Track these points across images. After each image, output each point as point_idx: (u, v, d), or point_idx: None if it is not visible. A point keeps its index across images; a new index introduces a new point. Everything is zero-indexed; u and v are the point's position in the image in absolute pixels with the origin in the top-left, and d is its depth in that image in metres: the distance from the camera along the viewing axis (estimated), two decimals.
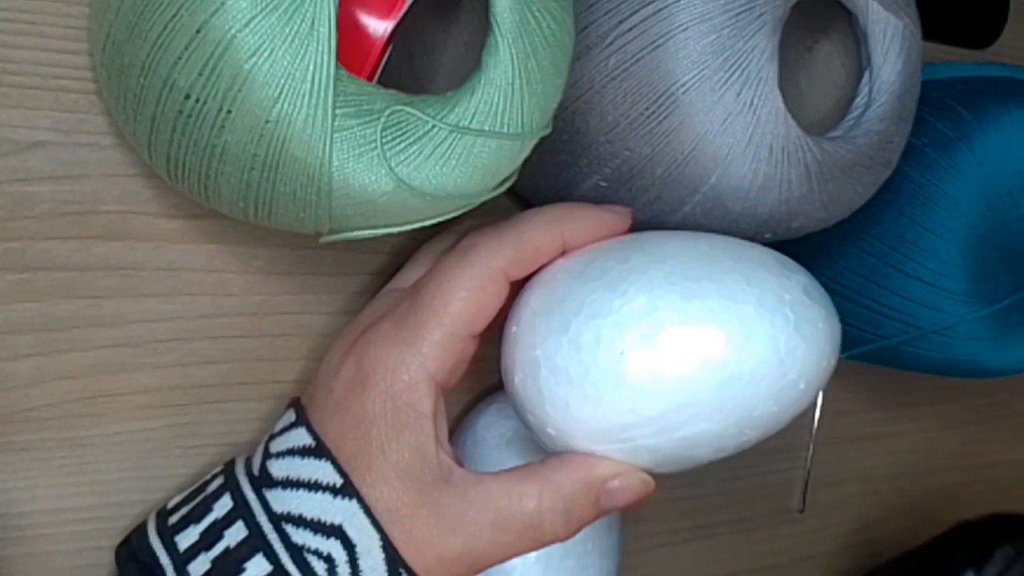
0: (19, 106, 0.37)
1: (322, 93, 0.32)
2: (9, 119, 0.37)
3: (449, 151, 0.34)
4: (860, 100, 0.41)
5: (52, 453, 0.40)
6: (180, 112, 0.33)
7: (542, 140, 0.37)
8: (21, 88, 0.37)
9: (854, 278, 0.48)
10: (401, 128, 0.33)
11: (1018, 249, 0.46)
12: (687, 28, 0.37)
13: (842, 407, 0.58)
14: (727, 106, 0.37)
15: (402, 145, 0.33)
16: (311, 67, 0.32)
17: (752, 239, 0.41)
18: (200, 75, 0.32)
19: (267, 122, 0.32)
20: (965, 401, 0.63)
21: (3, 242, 0.38)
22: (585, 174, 0.41)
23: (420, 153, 0.34)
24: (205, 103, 0.32)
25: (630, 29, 0.37)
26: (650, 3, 0.37)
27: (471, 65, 0.35)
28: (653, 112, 0.38)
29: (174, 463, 0.42)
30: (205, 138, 0.33)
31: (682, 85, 0.37)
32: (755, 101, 0.37)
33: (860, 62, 0.42)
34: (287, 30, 0.31)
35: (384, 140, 0.33)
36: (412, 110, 0.33)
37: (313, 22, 0.31)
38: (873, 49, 0.41)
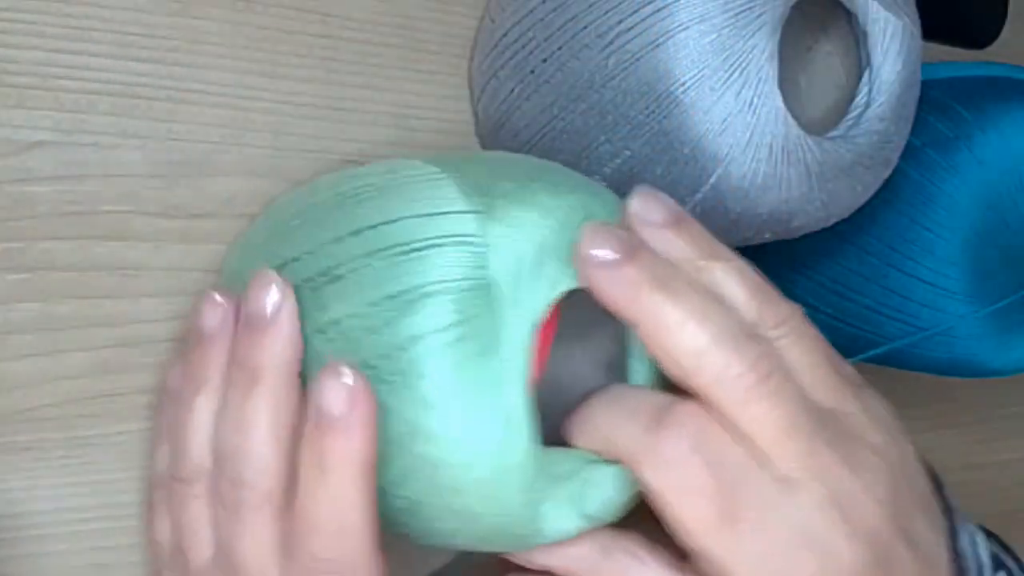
0: (19, 106, 0.37)
1: (528, 470, 0.32)
2: (9, 119, 0.37)
3: None
4: (860, 100, 0.41)
5: (52, 453, 0.40)
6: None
7: (542, 140, 0.37)
8: (21, 88, 0.37)
9: (854, 278, 0.48)
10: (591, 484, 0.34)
11: (1018, 249, 0.46)
12: (687, 28, 0.37)
13: None
14: (727, 106, 0.37)
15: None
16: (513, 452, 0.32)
17: (752, 238, 0.41)
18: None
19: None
20: (965, 401, 0.63)
21: (3, 242, 0.38)
22: (585, 174, 0.41)
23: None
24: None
25: (630, 28, 0.37)
26: (650, 2, 0.37)
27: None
28: (653, 112, 0.38)
29: None
30: None
31: (682, 85, 0.37)
32: (755, 101, 0.37)
33: (860, 62, 0.42)
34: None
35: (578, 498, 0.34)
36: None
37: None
38: (873, 49, 0.41)
